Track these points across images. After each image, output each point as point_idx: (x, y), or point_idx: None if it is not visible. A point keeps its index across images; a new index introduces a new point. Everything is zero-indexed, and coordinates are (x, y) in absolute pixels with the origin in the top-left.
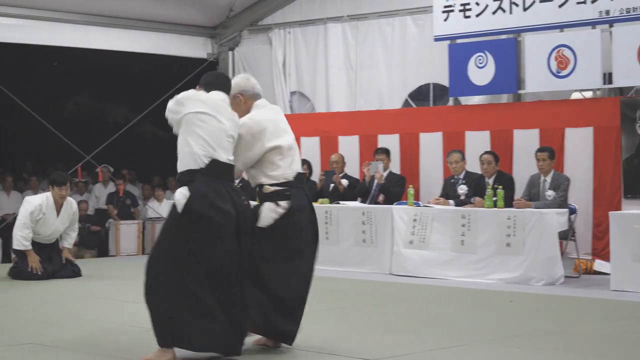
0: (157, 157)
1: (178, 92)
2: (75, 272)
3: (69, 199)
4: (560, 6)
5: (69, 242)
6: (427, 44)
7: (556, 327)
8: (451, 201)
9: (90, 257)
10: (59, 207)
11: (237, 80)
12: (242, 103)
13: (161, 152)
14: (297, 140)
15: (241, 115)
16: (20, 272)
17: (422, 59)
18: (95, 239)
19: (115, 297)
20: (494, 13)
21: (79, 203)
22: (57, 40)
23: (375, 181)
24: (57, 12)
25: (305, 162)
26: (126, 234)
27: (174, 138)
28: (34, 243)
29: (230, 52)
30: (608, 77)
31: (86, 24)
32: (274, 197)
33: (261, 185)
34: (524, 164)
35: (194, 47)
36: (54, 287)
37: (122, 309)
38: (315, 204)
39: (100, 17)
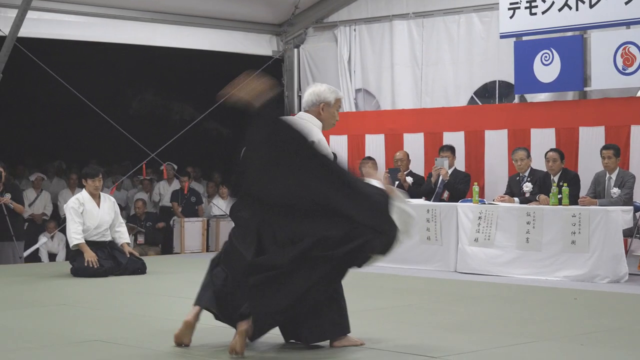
0: (221, 154)
1: None
2: (140, 269)
3: (106, 195)
4: (626, 3)
5: (124, 237)
6: (493, 41)
7: (621, 324)
8: (516, 199)
9: (154, 255)
10: (96, 199)
11: (315, 89)
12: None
13: (225, 149)
14: (362, 137)
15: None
16: (79, 269)
17: (488, 56)
18: (159, 236)
19: (178, 294)
20: (560, 10)
21: (135, 202)
22: (124, 37)
23: (440, 178)
24: (124, 10)
25: (370, 159)
26: (190, 231)
27: (238, 135)
28: (90, 243)
29: (295, 50)
30: None
31: (152, 22)
32: None
33: None
34: (590, 162)
35: (259, 45)
36: (117, 284)
37: (185, 306)
38: None
39: (166, 14)
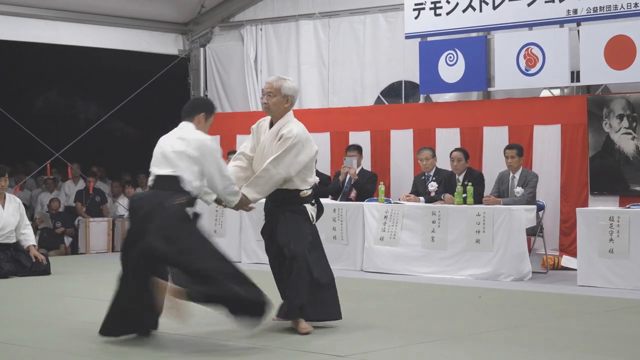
0: (126, 154)
1: (149, 88)
2: (44, 270)
3: (12, 195)
4: (529, 5)
5: (29, 239)
6: (398, 41)
7: (524, 322)
8: (422, 198)
9: (55, 255)
10: (1, 199)
11: (295, 87)
12: (285, 105)
13: (131, 149)
14: None
15: (276, 113)
16: None
17: (394, 56)
18: (58, 239)
19: (83, 294)
20: (464, 11)
21: (50, 201)
22: (28, 35)
23: (349, 177)
24: (27, 8)
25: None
26: (96, 231)
27: (144, 136)
28: None
29: (201, 49)
30: (576, 75)
31: (57, 20)
32: (309, 199)
33: (299, 190)
34: (494, 161)
35: (165, 44)
36: (20, 284)
37: (90, 306)
38: None
39: (70, 12)
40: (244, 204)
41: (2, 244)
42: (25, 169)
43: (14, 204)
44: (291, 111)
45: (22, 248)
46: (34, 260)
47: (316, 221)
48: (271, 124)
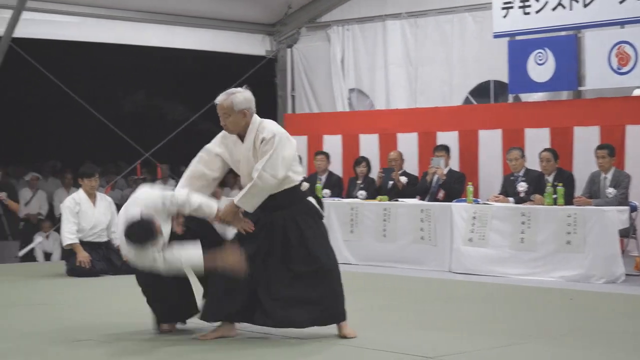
0: None
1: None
2: (134, 269)
3: (103, 194)
4: (620, 2)
5: None
6: (486, 41)
7: (616, 325)
8: (511, 198)
9: None
10: (92, 198)
11: (247, 96)
12: (244, 119)
13: None
14: (356, 137)
15: (238, 130)
16: (73, 269)
17: (482, 55)
18: None
19: None
20: (553, 9)
21: None
22: (117, 37)
23: (436, 177)
24: (117, 10)
25: (364, 160)
26: None
27: None
28: (85, 244)
29: (288, 50)
30: None
31: (145, 22)
32: (309, 192)
33: (297, 185)
34: (585, 161)
35: (252, 45)
36: (113, 283)
37: None
38: (374, 201)
39: (159, 14)
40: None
41: (94, 243)
42: (116, 169)
43: (105, 203)
44: (255, 116)
45: (113, 247)
46: (125, 259)
47: (323, 214)
48: (241, 138)
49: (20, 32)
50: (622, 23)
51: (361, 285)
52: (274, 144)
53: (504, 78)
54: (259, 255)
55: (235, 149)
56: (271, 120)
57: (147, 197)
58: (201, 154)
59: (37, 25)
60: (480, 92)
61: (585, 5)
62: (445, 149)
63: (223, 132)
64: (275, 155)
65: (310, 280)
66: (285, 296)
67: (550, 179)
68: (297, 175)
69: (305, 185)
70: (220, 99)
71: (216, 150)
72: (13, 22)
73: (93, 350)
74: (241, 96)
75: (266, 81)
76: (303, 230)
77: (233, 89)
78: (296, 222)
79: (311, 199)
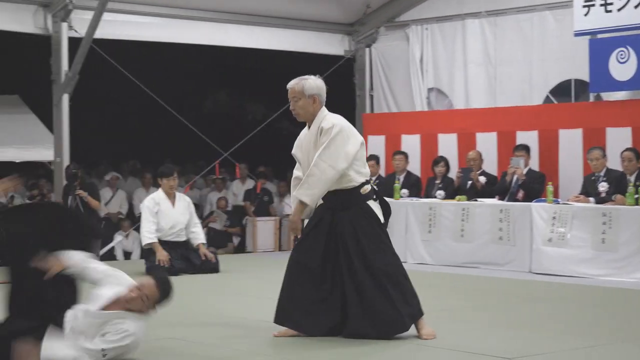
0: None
1: None
2: (213, 269)
3: (182, 194)
4: None
5: (199, 237)
6: (567, 39)
7: None
8: (591, 199)
9: (223, 254)
10: (171, 198)
11: (319, 84)
12: (313, 105)
13: None
14: (435, 137)
15: (306, 116)
16: (153, 268)
17: (563, 54)
18: (226, 238)
19: (253, 293)
20: (636, 7)
21: (217, 200)
22: (197, 38)
23: (516, 177)
24: (197, 11)
25: (442, 159)
26: (263, 230)
27: None
28: (165, 243)
29: (367, 49)
30: None
31: (225, 22)
32: (370, 196)
33: (358, 187)
34: None
35: (331, 44)
36: (192, 282)
37: (260, 305)
38: (452, 201)
39: (238, 15)
40: (296, 214)
41: (173, 242)
42: (195, 169)
43: (183, 203)
44: (324, 108)
45: (192, 246)
46: (204, 259)
47: (386, 222)
48: (308, 128)
49: (101, 33)
50: None
51: (439, 285)
52: (331, 134)
53: (585, 77)
54: (328, 264)
55: (304, 141)
56: (338, 115)
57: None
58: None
59: (118, 26)
60: (561, 91)
61: None
62: (525, 148)
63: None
64: (334, 146)
65: (371, 286)
66: (360, 307)
67: (632, 178)
68: (360, 176)
69: (367, 189)
70: (292, 83)
71: (293, 152)
72: (94, 23)
73: (172, 348)
74: (313, 82)
75: (345, 81)
76: (360, 237)
77: (305, 75)
78: (353, 227)
79: (372, 203)
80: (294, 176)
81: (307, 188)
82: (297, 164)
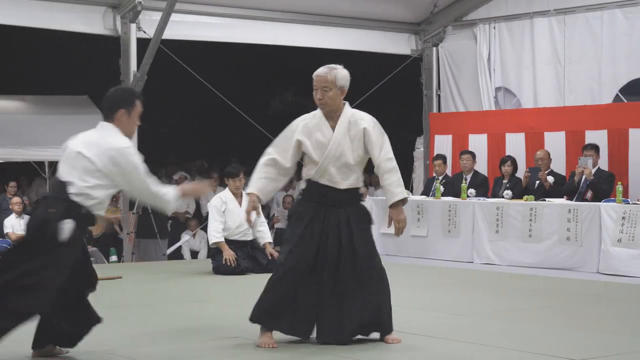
0: None
1: (382, 88)
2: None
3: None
4: None
5: (265, 236)
6: (637, 37)
7: None
8: None
9: None
10: (238, 198)
11: (347, 75)
12: (341, 96)
13: None
14: (502, 136)
15: (334, 106)
16: (219, 267)
17: (633, 52)
18: None
19: None
20: None
21: (283, 198)
22: (263, 38)
23: (584, 177)
24: (263, 11)
25: (509, 159)
26: None
27: None
28: (231, 242)
29: (434, 48)
30: None
31: (291, 22)
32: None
33: (358, 188)
34: None
35: (398, 44)
36: (259, 281)
37: None
38: (519, 201)
39: (305, 14)
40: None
41: (239, 241)
42: None
43: None
44: (346, 102)
45: (259, 245)
46: (270, 258)
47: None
48: (326, 118)
49: (169, 33)
50: None
51: (506, 286)
52: (381, 130)
53: None
54: (318, 265)
55: (318, 132)
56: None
57: None
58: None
59: (185, 27)
60: (631, 89)
61: None
62: (595, 148)
63: (287, 135)
64: (388, 142)
65: (356, 288)
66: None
67: None
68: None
69: (364, 190)
70: (322, 71)
71: (300, 138)
72: (162, 24)
73: (240, 348)
74: (344, 72)
75: (412, 80)
76: (354, 232)
77: (334, 65)
78: (349, 223)
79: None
80: (270, 157)
81: (401, 185)
82: (276, 147)
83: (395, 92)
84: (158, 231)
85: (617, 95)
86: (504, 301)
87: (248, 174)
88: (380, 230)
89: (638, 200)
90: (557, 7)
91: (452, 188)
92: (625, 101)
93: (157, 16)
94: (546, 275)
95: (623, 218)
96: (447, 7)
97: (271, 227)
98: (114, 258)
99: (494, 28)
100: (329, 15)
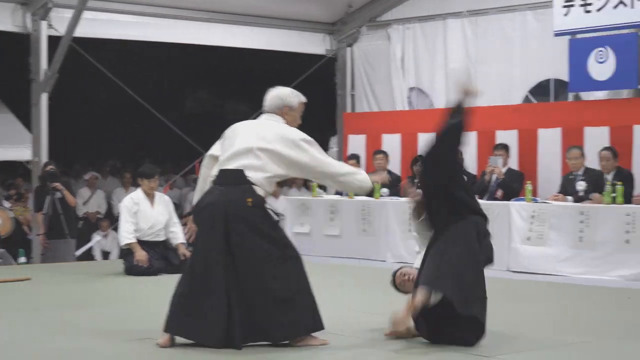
0: None
1: (296, 88)
2: None
3: (161, 194)
4: None
5: (178, 237)
6: (547, 39)
7: None
8: (569, 197)
9: None
10: (151, 198)
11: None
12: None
13: None
14: (415, 136)
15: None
16: (132, 268)
17: (543, 54)
18: None
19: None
20: (615, 7)
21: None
22: (178, 37)
23: (495, 176)
24: (178, 9)
25: (421, 158)
26: None
27: None
28: (143, 243)
29: (348, 49)
30: None
31: (207, 21)
32: None
33: None
34: None
35: (313, 43)
36: (171, 282)
37: None
38: None
39: (220, 13)
40: None
41: (152, 242)
42: (175, 168)
43: (162, 203)
44: None
45: (171, 246)
46: (183, 258)
47: None
48: None
49: (81, 31)
50: None
51: None
52: None
53: (564, 76)
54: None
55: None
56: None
57: None
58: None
59: (98, 25)
60: (540, 90)
61: None
62: (505, 147)
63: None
64: None
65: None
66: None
67: (609, 177)
68: None
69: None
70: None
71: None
72: (74, 22)
73: (152, 348)
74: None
75: (326, 80)
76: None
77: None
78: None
79: None
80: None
81: None
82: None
83: (309, 91)
84: (68, 232)
85: (526, 96)
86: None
87: (161, 173)
88: (292, 229)
89: (547, 199)
90: (470, 9)
91: None
92: (535, 102)
93: (68, 14)
94: None
95: (532, 217)
96: (362, 8)
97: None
98: (22, 259)
99: (408, 29)
100: (244, 15)
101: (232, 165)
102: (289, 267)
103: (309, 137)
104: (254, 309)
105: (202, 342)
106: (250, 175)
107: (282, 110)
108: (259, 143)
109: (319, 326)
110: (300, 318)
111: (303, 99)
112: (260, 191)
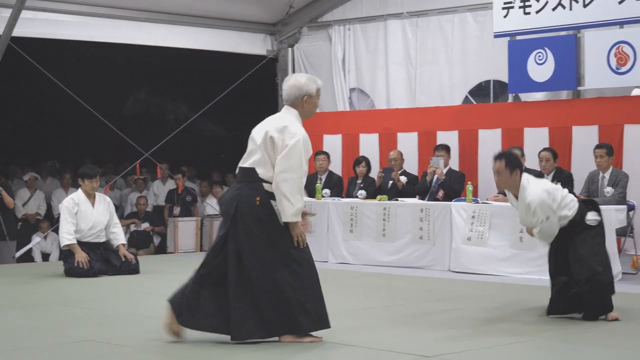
0: (215, 154)
1: (237, 88)
2: (133, 269)
3: (102, 195)
4: (619, 2)
5: (119, 238)
6: (487, 41)
7: (614, 324)
8: None
9: (144, 254)
10: (92, 199)
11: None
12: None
13: (219, 149)
14: (356, 136)
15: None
16: (71, 270)
17: (482, 55)
18: (147, 238)
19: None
20: (553, 9)
21: (137, 199)
22: (118, 37)
23: (436, 177)
24: (118, 9)
25: (363, 159)
26: (184, 230)
27: (232, 136)
28: (84, 244)
29: (289, 49)
30: None
31: (146, 21)
32: None
33: None
34: (583, 161)
35: (253, 44)
36: (111, 283)
37: None
38: (373, 201)
39: (160, 14)
40: None
41: (92, 243)
42: (116, 169)
43: (103, 204)
44: None
45: (112, 247)
46: (124, 260)
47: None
48: None
49: (19, 31)
50: (621, 23)
51: (360, 285)
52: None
53: (504, 78)
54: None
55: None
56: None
57: None
58: None
59: (37, 25)
60: (480, 91)
61: (585, 6)
62: (446, 148)
63: None
64: None
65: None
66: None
67: (549, 178)
68: None
69: None
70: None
71: None
72: (12, 21)
73: (91, 350)
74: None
75: (268, 80)
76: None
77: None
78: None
79: None
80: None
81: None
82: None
83: (250, 92)
84: (7, 233)
85: (466, 96)
86: (357, 300)
87: (102, 174)
88: None
89: (487, 199)
90: (411, 10)
91: (307, 188)
92: (474, 103)
93: (7, 13)
94: (400, 274)
95: (473, 217)
96: (303, 8)
97: (126, 229)
98: None
99: (349, 30)
100: (184, 15)
101: (247, 163)
102: (294, 266)
103: (306, 138)
104: (258, 302)
105: (201, 329)
106: (261, 172)
107: (302, 100)
108: (265, 137)
109: (325, 324)
110: (303, 315)
111: (320, 83)
112: (269, 188)
